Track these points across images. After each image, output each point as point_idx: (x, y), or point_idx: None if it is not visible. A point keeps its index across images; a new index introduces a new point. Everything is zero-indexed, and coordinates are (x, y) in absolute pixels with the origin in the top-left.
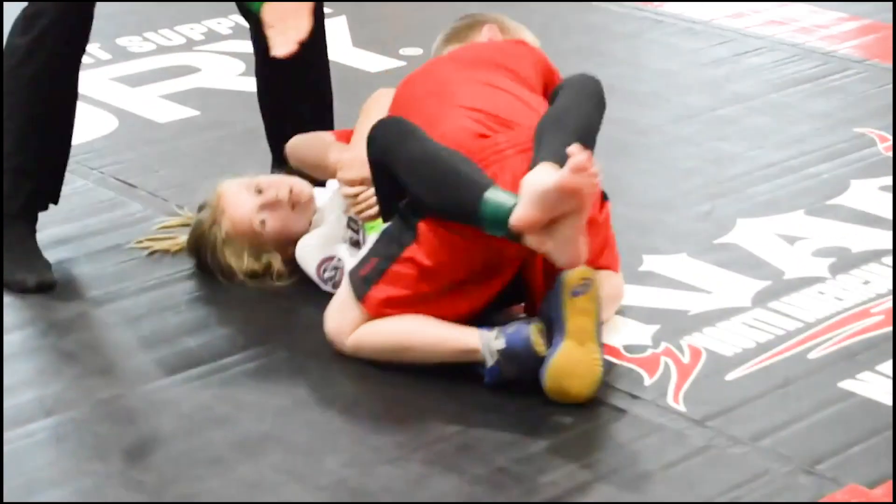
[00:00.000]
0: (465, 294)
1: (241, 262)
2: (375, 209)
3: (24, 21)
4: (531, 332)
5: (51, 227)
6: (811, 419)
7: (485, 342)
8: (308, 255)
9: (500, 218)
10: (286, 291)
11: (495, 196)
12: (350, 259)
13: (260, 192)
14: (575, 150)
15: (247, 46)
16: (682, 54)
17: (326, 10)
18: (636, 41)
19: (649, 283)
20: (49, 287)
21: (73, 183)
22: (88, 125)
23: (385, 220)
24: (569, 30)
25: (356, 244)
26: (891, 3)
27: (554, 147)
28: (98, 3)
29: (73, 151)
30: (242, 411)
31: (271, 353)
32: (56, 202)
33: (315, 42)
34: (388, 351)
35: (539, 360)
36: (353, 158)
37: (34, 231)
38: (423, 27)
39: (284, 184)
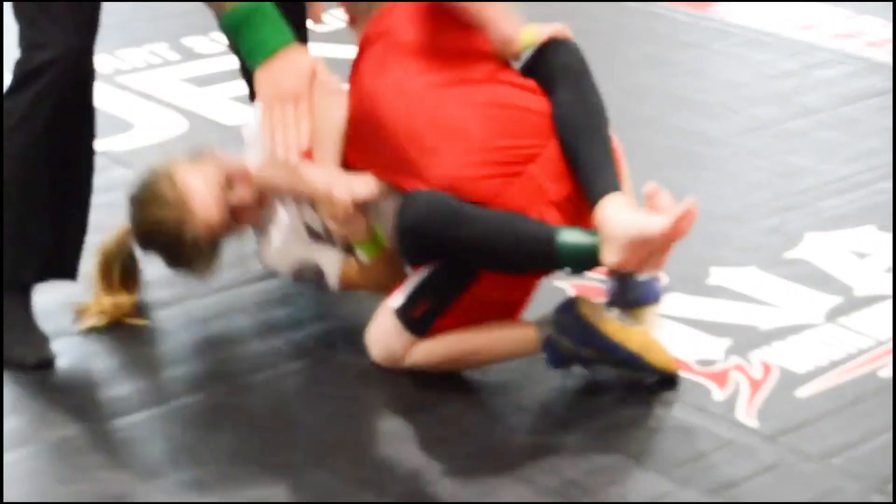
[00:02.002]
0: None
1: (215, 259)
2: (361, 232)
3: (23, 76)
4: (574, 301)
5: None
6: (883, 438)
7: (539, 324)
8: (280, 260)
9: (584, 258)
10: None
11: (568, 241)
12: (328, 257)
13: (230, 186)
14: (688, 204)
15: (314, 48)
16: (750, 65)
17: None
18: (703, 51)
19: (719, 296)
20: (48, 364)
21: None
22: (159, 126)
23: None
24: (635, 39)
25: (316, 237)
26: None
27: (603, 171)
28: (164, 3)
29: (145, 153)
30: (310, 417)
31: (333, 358)
32: (73, 277)
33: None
34: (449, 363)
35: (588, 328)
36: (334, 185)
37: (31, 302)
38: None
39: (252, 178)
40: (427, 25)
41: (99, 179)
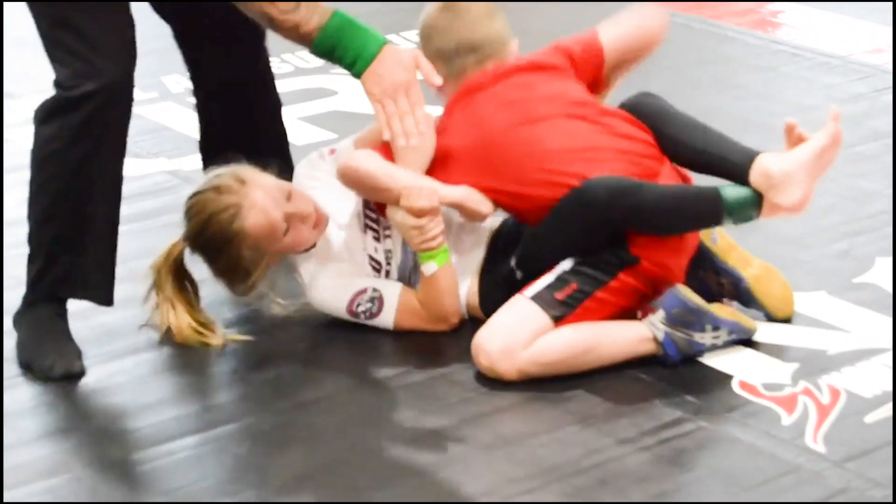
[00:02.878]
0: None
1: (258, 266)
2: (438, 239)
3: (68, 101)
4: (678, 290)
5: None
6: None
7: (648, 322)
8: (332, 295)
9: (748, 205)
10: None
11: (730, 190)
12: (387, 285)
13: (289, 199)
14: (833, 111)
15: None
16: (819, 89)
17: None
18: (772, 74)
19: (788, 320)
20: (74, 377)
21: None
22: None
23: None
24: (703, 61)
25: (376, 268)
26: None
27: (734, 147)
28: None
29: None
30: (379, 437)
31: (405, 377)
32: (110, 302)
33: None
34: (567, 360)
35: (700, 312)
36: (423, 187)
37: (65, 314)
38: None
39: (310, 200)
40: (521, 80)
41: (168, 198)
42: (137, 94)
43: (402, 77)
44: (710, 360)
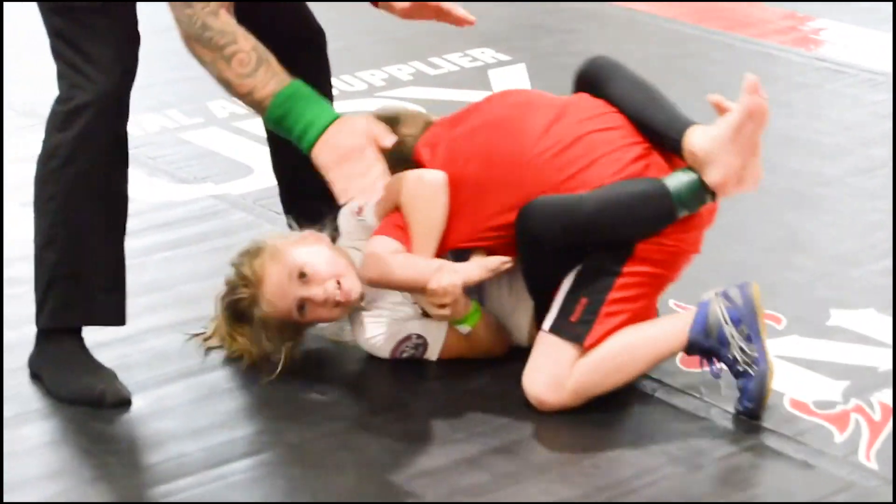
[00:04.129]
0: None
1: (278, 345)
2: (465, 310)
3: (65, 116)
4: (750, 285)
5: None
6: None
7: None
8: (376, 343)
9: (696, 191)
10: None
11: (675, 181)
12: (431, 328)
13: (303, 276)
14: (748, 78)
15: (427, 93)
16: (865, 106)
17: (505, 56)
18: (817, 92)
19: (838, 338)
20: (128, 402)
21: (260, 228)
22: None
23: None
24: None
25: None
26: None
27: (674, 120)
28: None
29: (259, 197)
30: (430, 459)
31: (454, 398)
32: (121, 321)
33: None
34: (612, 376)
35: (753, 310)
36: (446, 287)
37: (82, 341)
38: None
39: (332, 279)
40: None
41: (215, 223)
42: (183, 119)
43: (351, 143)
44: None
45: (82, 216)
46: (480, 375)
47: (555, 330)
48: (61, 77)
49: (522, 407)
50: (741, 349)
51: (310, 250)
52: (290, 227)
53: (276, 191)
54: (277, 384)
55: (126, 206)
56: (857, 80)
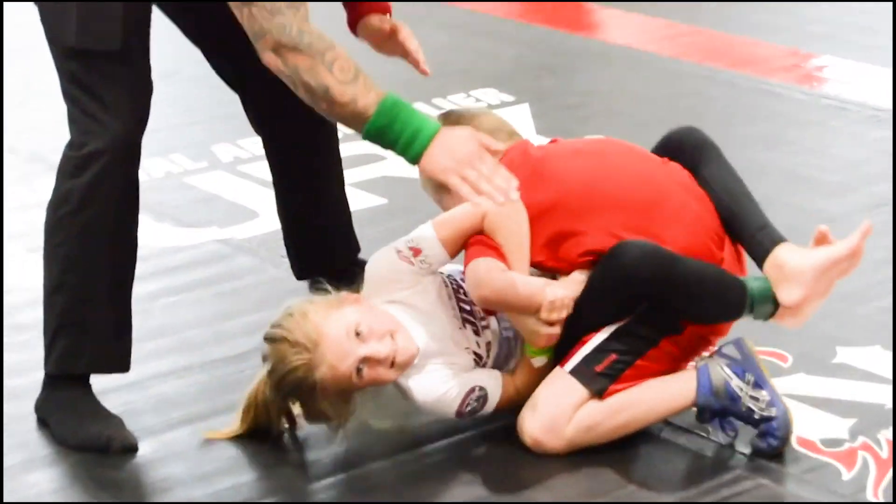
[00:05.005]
0: None
1: (339, 411)
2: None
3: (78, 162)
4: (741, 339)
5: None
6: None
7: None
8: (451, 402)
9: (769, 301)
10: None
11: (754, 284)
12: (488, 378)
13: (358, 334)
14: (865, 226)
15: None
16: (868, 143)
17: (509, 97)
18: (820, 129)
19: (844, 375)
20: (134, 448)
21: (265, 272)
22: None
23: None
24: (752, 118)
25: (478, 360)
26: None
27: (765, 227)
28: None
29: (263, 241)
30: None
31: (454, 445)
32: (126, 368)
33: (330, 151)
34: (611, 433)
35: (750, 358)
36: (562, 300)
37: (90, 388)
38: (607, 115)
39: (388, 337)
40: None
41: (220, 267)
42: (188, 163)
43: (468, 150)
44: None
45: (92, 262)
46: (484, 423)
47: (576, 373)
48: (73, 122)
49: (521, 454)
50: (753, 398)
51: (357, 309)
52: (325, 289)
53: (281, 234)
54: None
55: (135, 253)
56: (860, 118)
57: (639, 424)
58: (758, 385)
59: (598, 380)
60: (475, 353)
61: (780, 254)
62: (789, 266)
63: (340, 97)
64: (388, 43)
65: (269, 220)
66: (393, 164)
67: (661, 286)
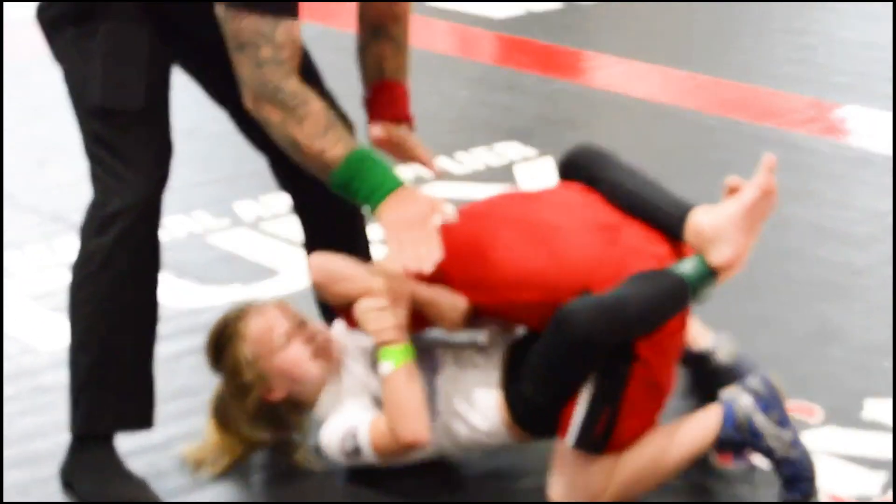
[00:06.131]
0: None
1: (257, 385)
2: (398, 332)
3: (101, 221)
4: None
5: None
6: None
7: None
8: (329, 442)
9: (707, 277)
10: None
11: (689, 271)
12: (364, 416)
13: (301, 326)
14: (765, 160)
15: (454, 189)
16: (894, 194)
17: (532, 151)
18: (845, 180)
19: (874, 428)
20: None
21: None
22: (305, 272)
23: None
24: (777, 170)
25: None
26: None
27: (671, 202)
28: None
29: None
30: None
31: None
32: (149, 424)
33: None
34: (646, 483)
35: (775, 394)
36: (398, 275)
37: (115, 450)
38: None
39: (326, 332)
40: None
41: None
42: (210, 221)
43: (417, 211)
44: None
45: (116, 321)
46: (505, 480)
47: (581, 444)
48: (96, 180)
49: None
50: (776, 437)
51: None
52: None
53: (302, 293)
54: (311, 483)
55: (157, 311)
56: (885, 168)
57: (669, 472)
58: (781, 424)
59: (602, 442)
60: (377, 398)
61: (694, 220)
62: (707, 228)
63: (308, 149)
64: (398, 151)
65: (289, 279)
66: None
67: (621, 334)
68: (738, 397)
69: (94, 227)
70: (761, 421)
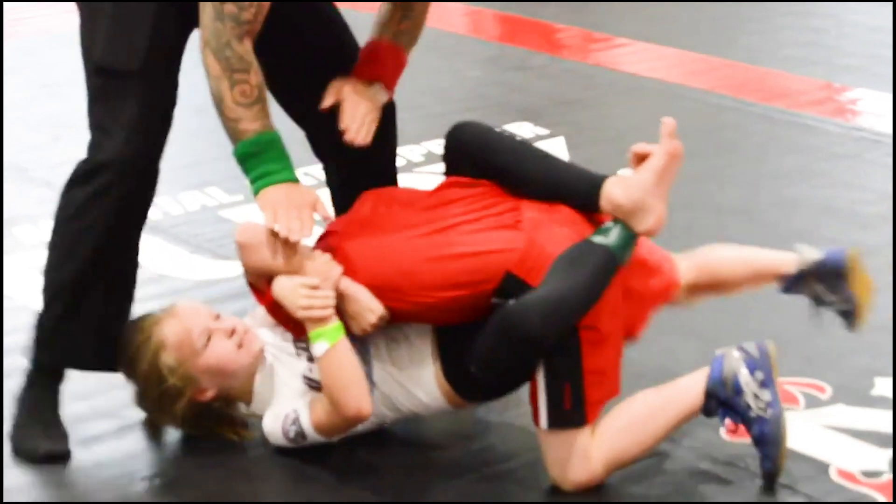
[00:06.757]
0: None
1: (185, 390)
2: (329, 311)
3: (84, 173)
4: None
5: None
6: None
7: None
8: (271, 431)
9: (629, 241)
10: None
11: (609, 240)
12: (301, 399)
13: (217, 318)
14: (666, 123)
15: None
16: None
17: (543, 130)
18: (854, 162)
19: (882, 406)
20: (60, 458)
21: None
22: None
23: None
24: (786, 150)
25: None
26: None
27: (578, 177)
28: None
29: None
30: None
31: (474, 480)
32: (100, 367)
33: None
34: (639, 442)
35: (766, 358)
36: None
37: (59, 395)
38: None
39: (241, 321)
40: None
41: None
42: (222, 196)
43: (297, 200)
44: (806, 448)
45: (78, 269)
46: (493, 455)
47: (555, 424)
48: (91, 135)
49: (541, 488)
50: (755, 395)
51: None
52: None
53: None
54: (312, 483)
55: (130, 266)
56: (892, 150)
57: (661, 428)
58: (764, 385)
59: (573, 415)
60: (309, 380)
61: (608, 193)
62: (625, 201)
63: (229, 112)
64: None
65: None
66: None
67: (571, 325)
68: (728, 355)
69: (77, 177)
70: (745, 377)
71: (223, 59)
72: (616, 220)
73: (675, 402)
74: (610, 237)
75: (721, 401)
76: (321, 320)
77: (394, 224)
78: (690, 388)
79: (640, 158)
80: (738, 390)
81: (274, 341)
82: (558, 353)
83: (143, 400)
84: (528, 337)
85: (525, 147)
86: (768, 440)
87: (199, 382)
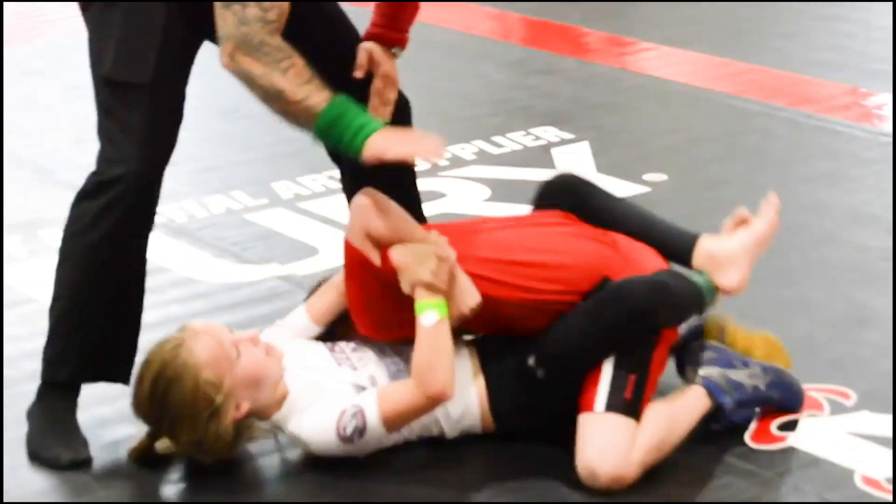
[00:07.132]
0: None
1: (228, 408)
2: (445, 286)
3: (95, 186)
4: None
5: None
6: None
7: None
8: (319, 433)
9: (712, 291)
10: None
11: (701, 280)
12: (360, 395)
13: (231, 331)
14: (770, 200)
15: (491, 172)
16: None
17: (568, 135)
18: (882, 166)
19: None
20: (83, 464)
21: None
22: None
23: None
24: (813, 156)
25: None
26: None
27: (672, 230)
28: None
29: (324, 278)
30: None
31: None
32: (125, 381)
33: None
34: (665, 447)
35: (719, 349)
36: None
37: (75, 405)
38: (666, 152)
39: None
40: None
41: (280, 304)
42: (248, 200)
43: (407, 135)
44: (830, 455)
45: (91, 278)
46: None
47: (613, 408)
48: (101, 148)
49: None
50: (749, 375)
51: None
52: None
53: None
54: (311, 483)
55: (141, 278)
56: None
57: (681, 434)
58: (744, 364)
59: (634, 403)
60: (358, 387)
61: (706, 245)
62: (721, 254)
63: (293, 96)
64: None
65: (329, 257)
66: (452, 202)
67: (665, 314)
68: (706, 373)
69: (88, 190)
70: (732, 373)
71: (263, 55)
72: (701, 272)
73: (690, 412)
74: (697, 278)
75: (731, 409)
76: (440, 291)
77: (492, 225)
78: (694, 401)
79: (741, 223)
80: (738, 387)
81: (312, 350)
82: (636, 344)
83: (189, 432)
84: (636, 306)
85: (621, 200)
86: (789, 390)
87: (237, 397)
